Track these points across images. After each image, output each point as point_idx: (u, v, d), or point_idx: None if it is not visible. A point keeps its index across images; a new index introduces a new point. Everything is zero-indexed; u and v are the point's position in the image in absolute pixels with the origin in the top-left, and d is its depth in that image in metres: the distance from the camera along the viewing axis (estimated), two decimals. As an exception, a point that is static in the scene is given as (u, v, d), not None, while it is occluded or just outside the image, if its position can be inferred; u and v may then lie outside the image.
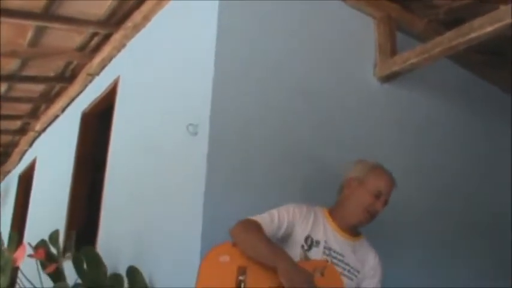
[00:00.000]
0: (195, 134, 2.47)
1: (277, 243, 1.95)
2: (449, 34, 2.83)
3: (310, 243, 1.99)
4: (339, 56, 3.00)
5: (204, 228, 2.25)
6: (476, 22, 2.67)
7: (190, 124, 2.48)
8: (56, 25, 3.64)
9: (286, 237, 2.01)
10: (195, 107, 2.55)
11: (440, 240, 3.14)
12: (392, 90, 3.16)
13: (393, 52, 3.11)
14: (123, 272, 2.59)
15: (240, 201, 2.34)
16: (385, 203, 2.10)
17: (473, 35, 2.67)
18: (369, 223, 2.10)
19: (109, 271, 2.70)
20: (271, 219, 1.96)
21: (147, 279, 2.53)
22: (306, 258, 1.96)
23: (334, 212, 2.12)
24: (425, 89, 3.37)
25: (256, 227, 1.91)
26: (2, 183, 6.77)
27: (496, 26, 2.58)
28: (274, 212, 2.00)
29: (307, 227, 2.02)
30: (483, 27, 2.63)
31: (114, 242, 3.08)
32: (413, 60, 2.95)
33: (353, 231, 2.11)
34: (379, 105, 3.11)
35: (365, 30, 3.17)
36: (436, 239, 3.12)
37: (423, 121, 3.32)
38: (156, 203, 2.76)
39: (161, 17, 3.28)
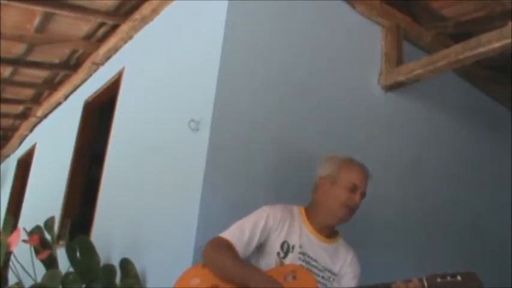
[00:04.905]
0: (197, 130, 2.47)
1: (253, 254, 1.93)
2: (456, 47, 2.83)
3: (286, 249, 1.94)
4: (344, 61, 3.01)
5: (199, 225, 2.25)
6: (484, 37, 2.67)
7: (192, 120, 2.48)
8: (64, 12, 3.64)
9: (262, 246, 1.94)
10: (198, 104, 2.55)
11: (443, 250, 3.15)
12: (395, 100, 3.17)
13: (399, 62, 3.12)
14: (116, 263, 2.59)
15: (237, 200, 2.34)
16: (363, 195, 2.02)
17: (480, 49, 2.68)
18: (349, 219, 2.02)
19: (102, 262, 2.70)
20: (241, 233, 1.89)
21: (139, 272, 2.53)
22: (282, 265, 1.91)
23: (310, 213, 2.05)
24: (428, 101, 3.37)
25: (226, 246, 1.85)
26: (0, 166, 6.77)
27: (504, 42, 2.59)
28: (246, 222, 1.93)
29: (282, 233, 1.95)
30: (490, 42, 2.64)
31: (108, 234, 3.08)
32: (419, 71, 2.95)
33: (330, 232, 2.06)
34: (382, 113, 3.12)
35: (372, 38, 3.18)
36: (437, 249, 3.14)
37: (424, 132, 3.33)
38: (153, 197, 2.76)
39: (170, 12, 3.28)
